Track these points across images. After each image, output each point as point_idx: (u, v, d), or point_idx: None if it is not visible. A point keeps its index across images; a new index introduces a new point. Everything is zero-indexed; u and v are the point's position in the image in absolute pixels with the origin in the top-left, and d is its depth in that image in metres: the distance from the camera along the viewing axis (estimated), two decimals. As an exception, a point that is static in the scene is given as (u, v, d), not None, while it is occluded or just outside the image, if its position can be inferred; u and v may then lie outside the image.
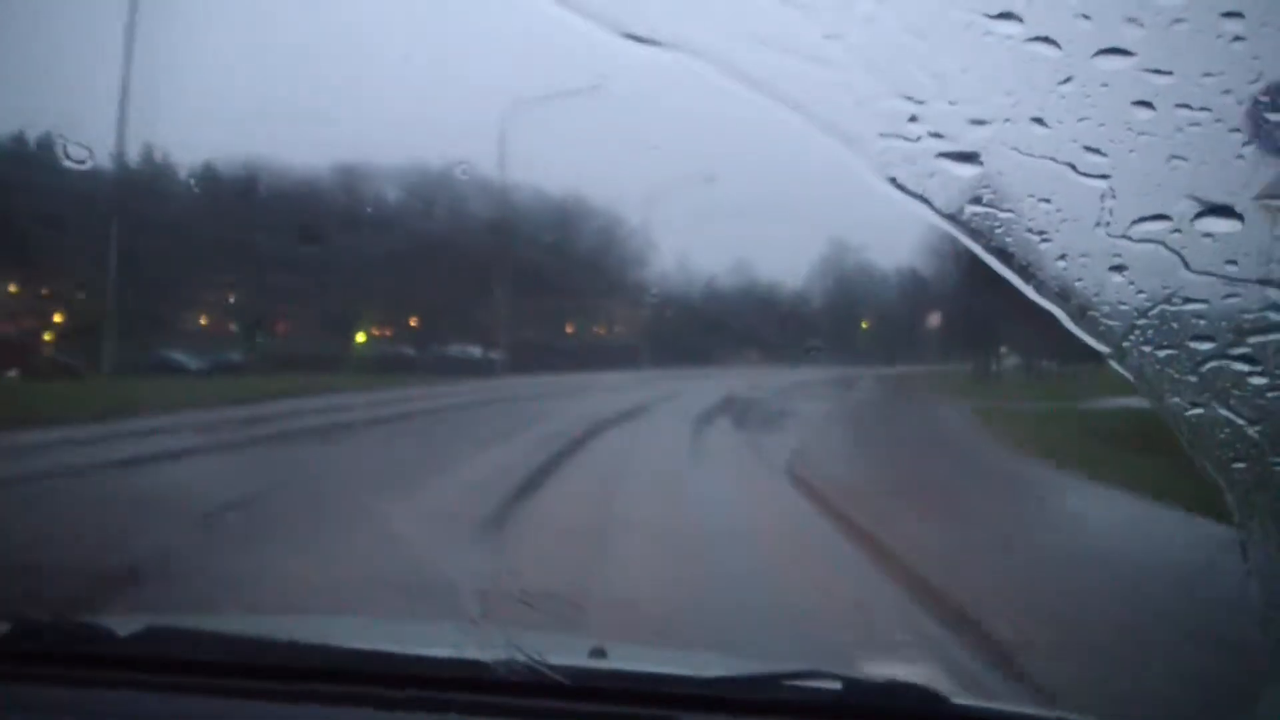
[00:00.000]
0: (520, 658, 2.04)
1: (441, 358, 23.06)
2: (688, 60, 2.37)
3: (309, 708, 2.02)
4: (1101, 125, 2.45)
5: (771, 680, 2.08)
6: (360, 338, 24.06)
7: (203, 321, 25.90)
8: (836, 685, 1.99)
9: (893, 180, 2.36)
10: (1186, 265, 2.34)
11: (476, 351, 22.74)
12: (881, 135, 2.43)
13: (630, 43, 2.42)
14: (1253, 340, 2.38)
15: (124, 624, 2.18)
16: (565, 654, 2.13)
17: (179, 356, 20.97)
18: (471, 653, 2.11)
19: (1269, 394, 2.33)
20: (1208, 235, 2.29)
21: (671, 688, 2.06)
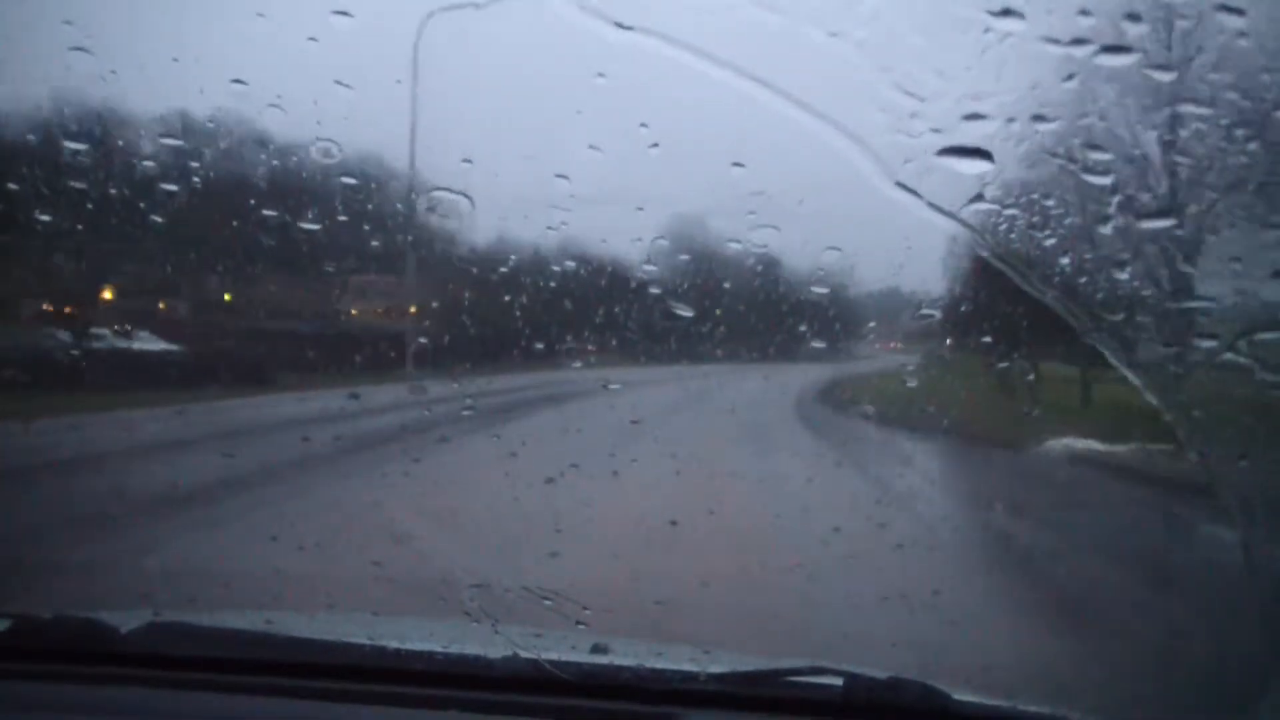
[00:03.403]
0: (522, 654, 2.05)
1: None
2: (689, 54, 2.36)
3: (310, 704, 2.02)
4: (1104, 122, 2.45)
5: (774, 676, 2.07)
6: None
7: None
8: (838, 681, 1.98)
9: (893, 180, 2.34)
10: (1191, 262, 2.33)
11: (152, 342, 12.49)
12: (882, 131, 2.42)
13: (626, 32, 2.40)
14: (1259, 338, 2.37)
15: (126, 620, 2.17)
16: (566, 650, 2.13)
17: None
18: (473, 649, 2.11)
19: (1273, 392, 2.32)
20: (1213, 232, 2.28)
21: (673, 684, 2.06)
